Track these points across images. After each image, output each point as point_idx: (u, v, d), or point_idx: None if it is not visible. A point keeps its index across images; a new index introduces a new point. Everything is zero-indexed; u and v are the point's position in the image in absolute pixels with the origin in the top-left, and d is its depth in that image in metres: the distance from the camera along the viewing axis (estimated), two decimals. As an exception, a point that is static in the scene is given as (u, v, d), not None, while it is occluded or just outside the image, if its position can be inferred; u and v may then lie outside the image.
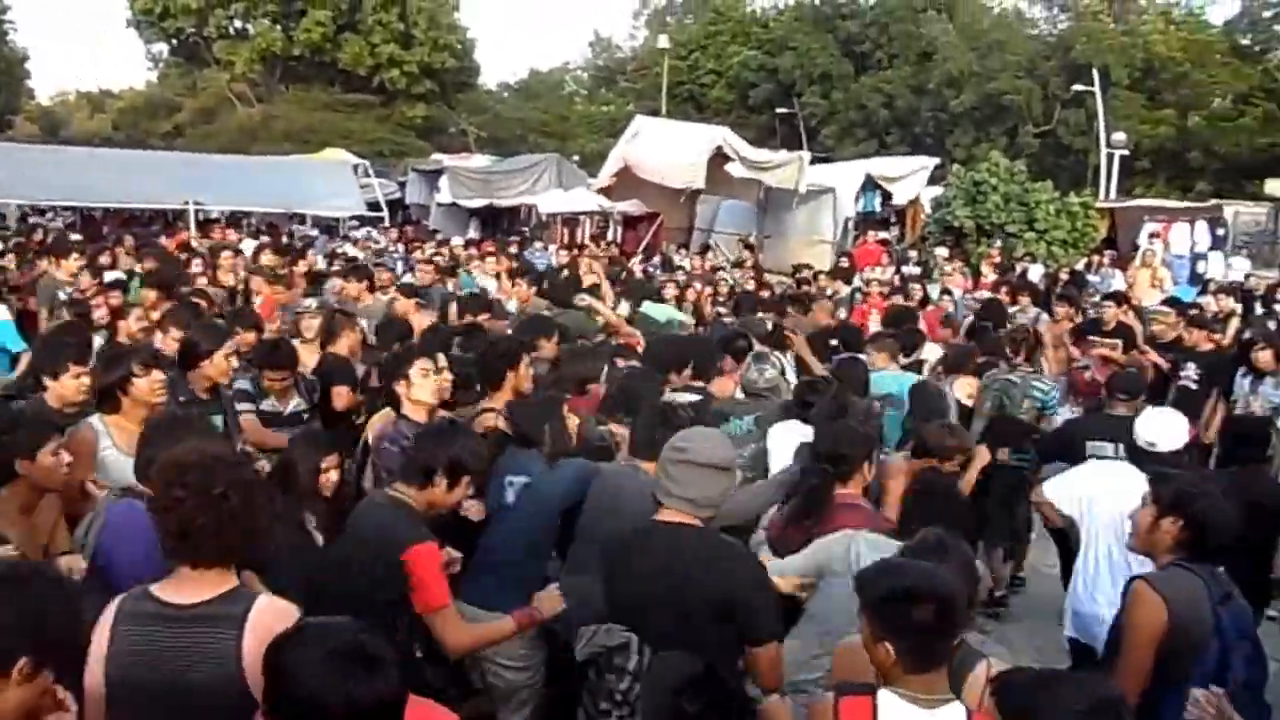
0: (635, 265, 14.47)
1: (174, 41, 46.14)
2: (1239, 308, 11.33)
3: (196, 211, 17.69)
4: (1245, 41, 44.75)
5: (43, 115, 55.25)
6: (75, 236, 13.45)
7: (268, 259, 10.78)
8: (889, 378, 5.87)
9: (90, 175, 17.99)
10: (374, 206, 20.08)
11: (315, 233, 18.97)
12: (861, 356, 5.93)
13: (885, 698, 2.31)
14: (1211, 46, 42.13)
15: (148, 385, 4.10)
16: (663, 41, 43.91)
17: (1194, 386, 7.59)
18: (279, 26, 42.59)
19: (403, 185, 23.79)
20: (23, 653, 1.88)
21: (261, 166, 22.01)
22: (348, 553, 3.29)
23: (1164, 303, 10.02)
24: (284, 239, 15.37)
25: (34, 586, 1.99)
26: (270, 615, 2.36)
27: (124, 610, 2.40)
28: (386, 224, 19.97)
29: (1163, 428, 4.58)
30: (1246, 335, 8.35)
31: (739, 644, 2.85)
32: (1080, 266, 16.02)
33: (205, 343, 4.84)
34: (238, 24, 44.20)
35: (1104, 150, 31.63)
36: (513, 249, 15.57)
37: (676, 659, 2.34)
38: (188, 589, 2.38)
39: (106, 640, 2.36)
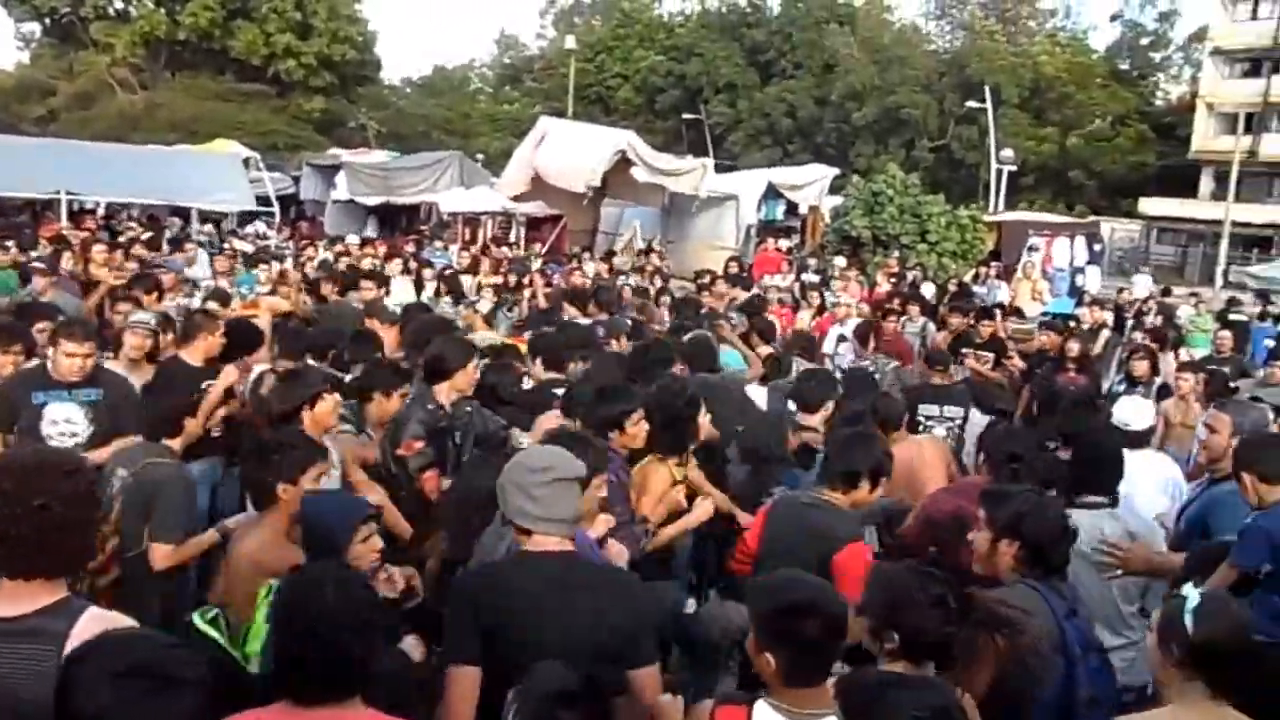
0: (535, 268, 14.21)
1: (47, 21, 43.86)
2: (1110, 319, 11.97)
3: (70, 202, 16.75)
4: (1124, 66, 47.06)
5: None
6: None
7: (99, 254, 9.82)
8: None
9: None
10: (264, 201, 19.35)
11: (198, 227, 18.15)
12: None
13: (761, 708, 2.31)
14: (1093, 70, 44.15)
15: (330, 407, 4.12)
16: (570, 42, 43.69)
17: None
18: (163, 9, 40.86)
19: (297, 180, 23.01)
20: None
21: (142, 156, 20.90)
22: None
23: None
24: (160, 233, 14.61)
25: None
26: (97, 632, 2.21)
27: None
28: (276, 219, 19.27)
29: (1135, 411, 4.96)
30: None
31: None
32: (968, 278, 16.44)
33: (453, 359, 4.70)
34: (118, 5, 42.34)
35: (994, 166, 32.73)
36: (409, 247, 15.20)
37: (553, 669, 2.28)
38: (10, 601, 2.23)
39: None
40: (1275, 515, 3.58)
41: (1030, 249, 17.89)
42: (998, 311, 10.71)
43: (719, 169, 20.07)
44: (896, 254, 17.04)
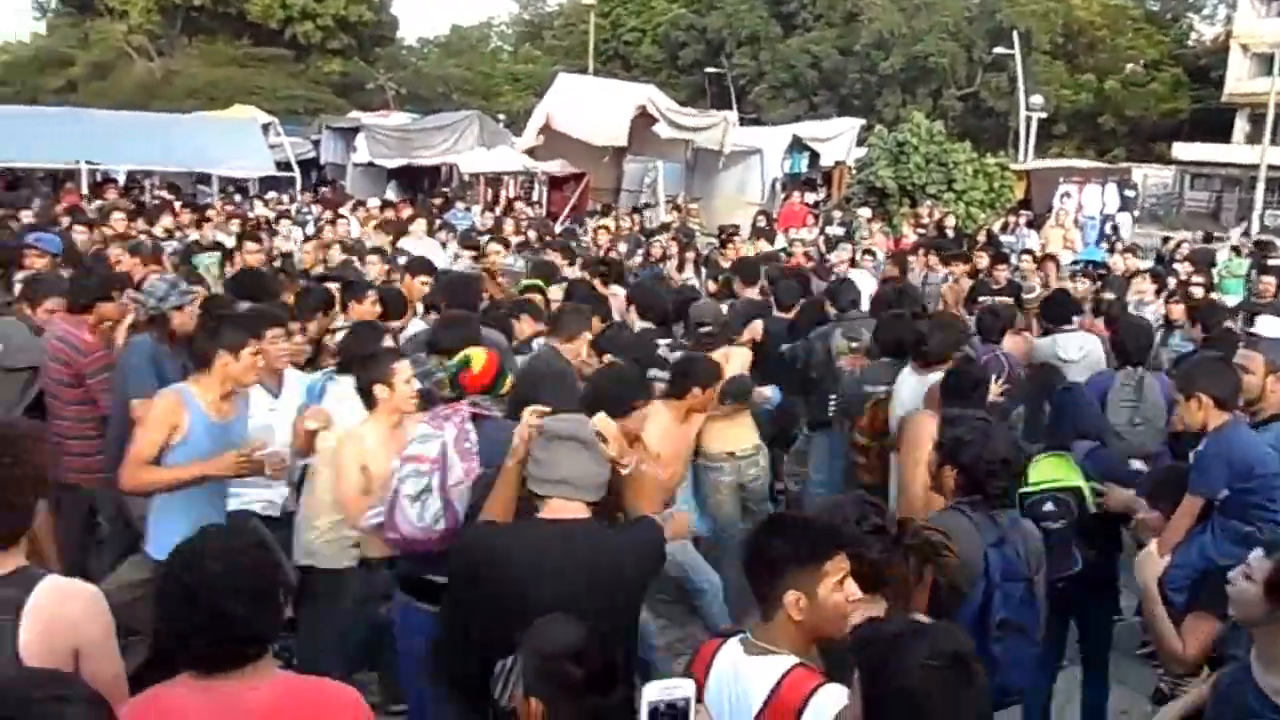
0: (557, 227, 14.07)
1: (62, -10, 43.90)
2: (1143, 266, 11.57)
3: (91, 172, 16.74)
4: (1156, 8, 45.85)
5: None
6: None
7: (119, 222, 9.79)
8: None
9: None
10: (284, 166, 19.24)
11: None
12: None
13: (730, 642, 2.38)
14: (1126, 12, 43.03)
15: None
16: (589, -3, 43.09)
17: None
18: (177, -26, 40.71)
19: (316, 144, 22.87)
20: None
21: (162, 124, 20.81)
22: None
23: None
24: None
25: None
26: (54, 602, 2.20)
27: None
28: (298, 184, 19.18)
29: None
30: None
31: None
32: (996, 227, 16.16)
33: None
34: (133, -30, 42.16)
35: (1023, 113, 32.08)
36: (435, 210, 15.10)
37: (558, 623, 2.20)
38: None
39: None
40: (1226, 439, 3.65)
41: (1061, 196, 17.52)
42: (1027, 257, 10.39)
43: (743, 123, 19.78)
44: (929, 204, 16.75)
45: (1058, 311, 6.46)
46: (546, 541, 2.70)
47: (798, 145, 19.40)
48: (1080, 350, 6.12)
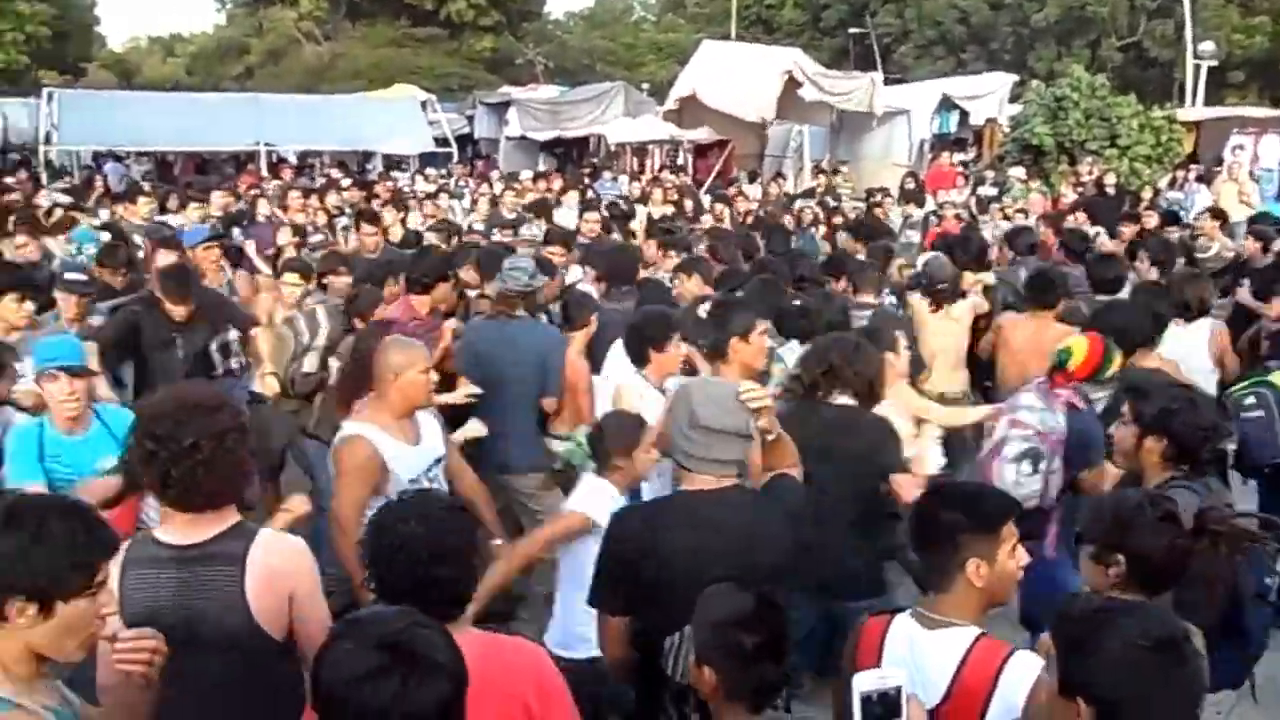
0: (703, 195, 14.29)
1: (241, -18, 46.59)
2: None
3: (268, 152, 17.96)
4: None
5: (116, 62, 56.14)
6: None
7: (294, 201, 10.52)
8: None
9: (162, 119, 18.28)
10: (442, 142, 20.12)
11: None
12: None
13: (900, 618, 2.35)
14: (1308, -53, 39.58)
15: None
16: (730, -37, 42.73)
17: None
18: (343, -39, 42.61)
19: (470, 120, 23.76)
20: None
21: (330, 105, 22.13)
22: None
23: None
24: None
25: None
26: (271, 552, 2.40)
27: (130, 556, 2.42)
28: (455, 159, 20.03)
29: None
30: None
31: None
32: (1164, 183, 15.43)
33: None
34: (302, -39, 44.31)
35: (1190, 62, 30.09)
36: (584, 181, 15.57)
37: (727, 593, 2.18)
38: (186, 530, 2.41)
39: (117, 586, 2.37)
40: None
41: (1234, 149, 16.50)
42: (1205, 216, 9.73)
43: (888, 83, 19.41)
44: (1089, 160, 16.13)
45: None
46: (701, 512, 2.65)
47: (947, 104, 18.93)
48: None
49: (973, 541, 2.25)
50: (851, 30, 42.23)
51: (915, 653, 2.27)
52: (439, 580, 2.16)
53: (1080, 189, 13.86)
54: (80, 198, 11.54)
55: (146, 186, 12.21)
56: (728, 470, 2.67)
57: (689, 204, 12.53)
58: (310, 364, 5.13)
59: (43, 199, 10.96)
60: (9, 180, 14.48)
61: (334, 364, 4.97)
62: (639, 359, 4.28)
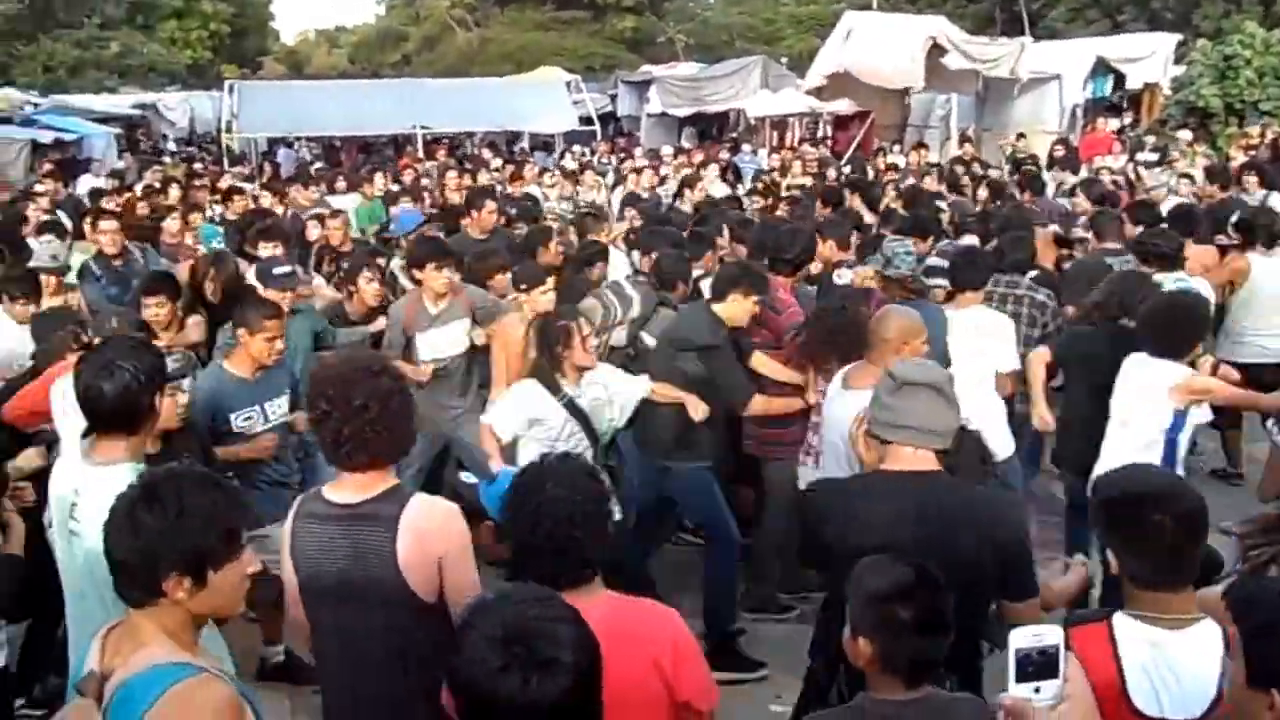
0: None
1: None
2: None
3: (423, 134, 18.84)
4: None
5: (287, 55, 59.48)
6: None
7: (451, 180, 10.86)
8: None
9: (329, 107, 19.43)
10: (586, 121, 20.64)
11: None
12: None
13: (1121, 621, 2.16)
14: None
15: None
16: (871, -70, 41.67)
17: None
18: (490, -51, 43.76)
19: (613, 98, 24.23)
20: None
21: (480, 88, 23.00)
22: None
23: None
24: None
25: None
26: (422, 515, 2.48)
27: (301, 510, 2.60)
28: (598, 137, 20.51)
29: None
30: None
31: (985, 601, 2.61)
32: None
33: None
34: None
35: (1389, 12, 27.65)
36: (724, 154, 15.74)
37: (885, 564, 2.12)
38: (351, 489, 2.52)
39: (290, 537, 2.58)
40: None
41: None
42: None
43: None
44: (1262, 121, 15.24)
45: None
46: (900, 491, 2.58)
47: (1102, 67, 18.10)
48: None
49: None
50: (998, -4, 40.48)
51: (1162, 657, 2.10)
52: (575, 542, 2.22)
53: (1252, 152, 13.12)
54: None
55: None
56: (929, 442, 2.59)
57: (830, 174, 12.56)
58: (618, 338, 5.11)
59: (224, 183, 11.98)
60: (196, 166, 15.84)
61: (646, 339, 5.02)
62: None
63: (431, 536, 2.47)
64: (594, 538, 2.25)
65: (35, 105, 21.65)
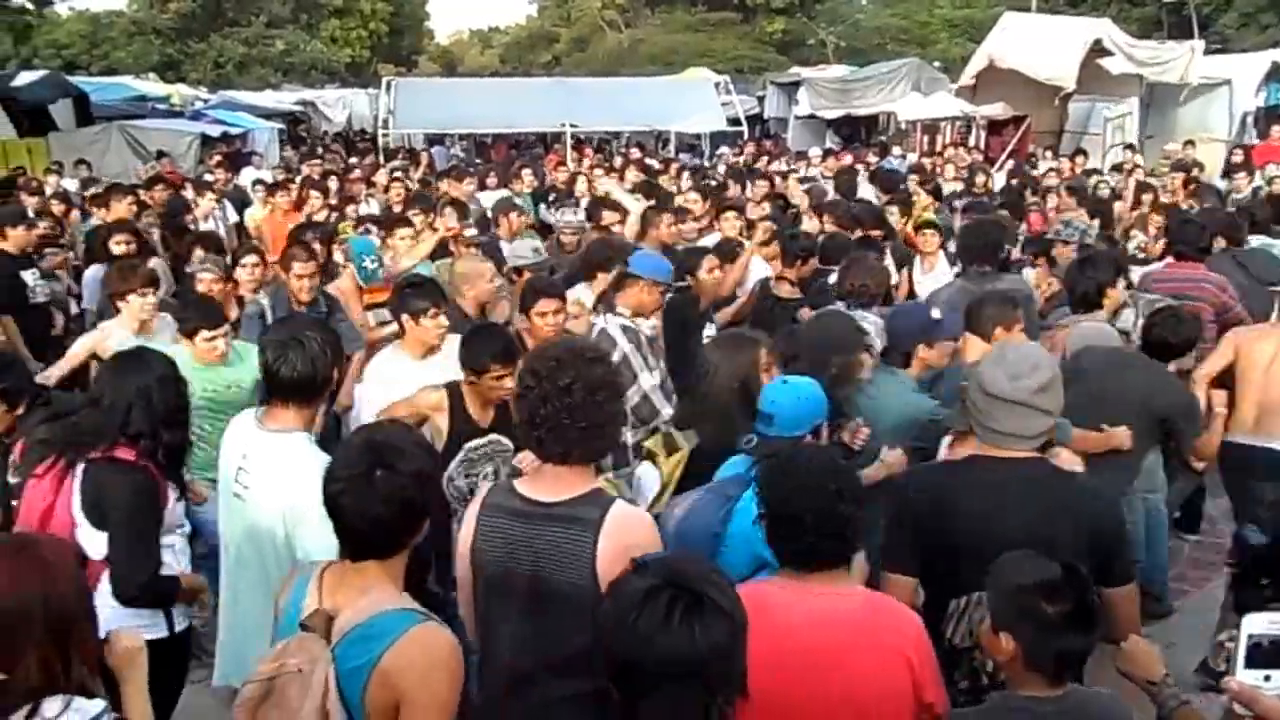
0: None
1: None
2: None
3: (572, 133, 19.31)
4: None
5: (441, 54, 61.74)
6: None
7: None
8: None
9: (481, 105, 19.97)
10: (734, 122, 20.75)
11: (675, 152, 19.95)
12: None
13: None
14: None
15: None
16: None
17: None
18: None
19: (761, 100, 24.24)
20: None
21: (629, 88, 23.22)
22: None
23: None
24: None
25: None
26: (624, 524, 2.37)
27: (488, 502, 2.51)
28: (745, 138, 20.61)
29: None
30: None
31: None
32: None
33: None
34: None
35: None
36: (872, 157, 15.61)
37: (1029, 559, 2.10)
38: (549, 487, 2.42)
39: (472, 529, 2.49)
40: None
41: None
42: None
43: (1207, 53, 17.85)
44: None
45: None
46: (999, 479, 2.54)
47: (1277, 73, 17.18)
48: None
49: None
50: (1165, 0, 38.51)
51: None
52: (841, 516, 2.21)
53: None
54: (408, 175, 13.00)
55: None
56: (1021, 446, 2.55)
57: (980, 180, 12.35)
58: None
59: (380, 176, 12.64)
60: (353, 160, 16.71)
61: None
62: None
63: (633, 546, 2.29)
64: (854, 515, 2.25)
65: (205, 100, 23.29)
